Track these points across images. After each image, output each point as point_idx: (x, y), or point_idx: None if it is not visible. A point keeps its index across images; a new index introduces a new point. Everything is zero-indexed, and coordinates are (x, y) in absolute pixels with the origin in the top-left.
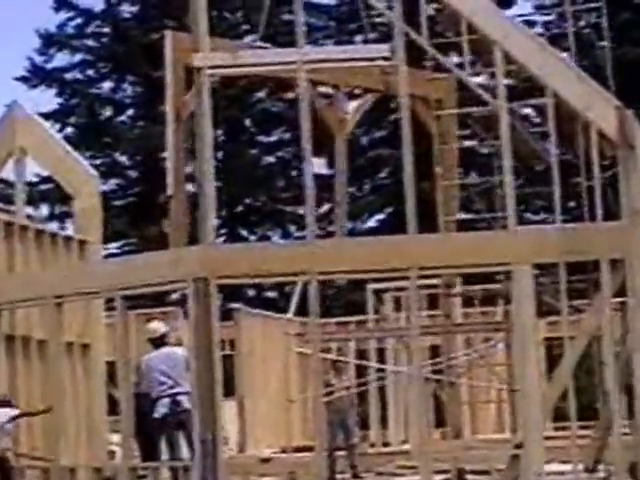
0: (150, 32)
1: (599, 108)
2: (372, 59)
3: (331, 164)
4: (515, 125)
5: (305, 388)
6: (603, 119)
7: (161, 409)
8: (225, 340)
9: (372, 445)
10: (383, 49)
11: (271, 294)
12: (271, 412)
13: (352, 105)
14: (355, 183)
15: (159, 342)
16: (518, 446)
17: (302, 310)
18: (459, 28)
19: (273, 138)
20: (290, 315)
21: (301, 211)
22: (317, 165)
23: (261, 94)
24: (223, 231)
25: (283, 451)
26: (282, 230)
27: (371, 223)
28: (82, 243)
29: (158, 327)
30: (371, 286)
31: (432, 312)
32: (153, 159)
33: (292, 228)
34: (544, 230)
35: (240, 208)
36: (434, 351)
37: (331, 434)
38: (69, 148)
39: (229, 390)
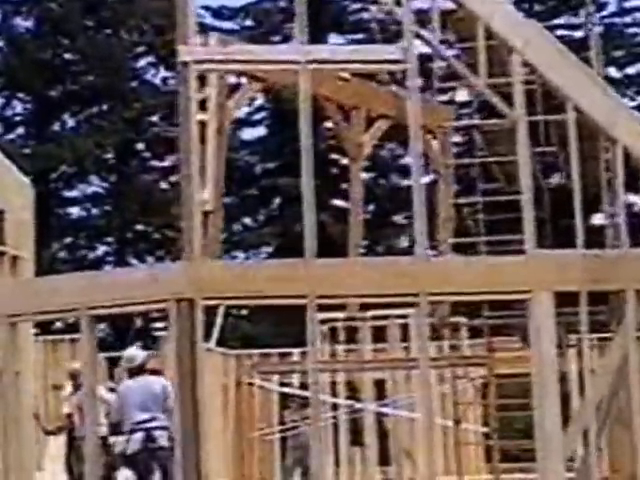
0: (45, 48)
1: (624, 125)
2: (381, 61)
3: (226, 192)
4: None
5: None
6: (629, 137)
7: (133, 445)
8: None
9: None
10: (393, 50)
11: None
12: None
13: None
14: (250, 213)
15: (136, 370)
16: None
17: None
18: (474, 32)
19: (167, 163)
20: (212, 345)
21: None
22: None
23: (155, 118)
24: (110, 259)
25: None
26: (174, 259)
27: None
28: (14, 259)
29: (137, 354)
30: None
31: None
32: (44, 179)
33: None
34: (566, 255)
35: (130, 235)
36: (379, 386)
37: (289, 472)
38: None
39: None
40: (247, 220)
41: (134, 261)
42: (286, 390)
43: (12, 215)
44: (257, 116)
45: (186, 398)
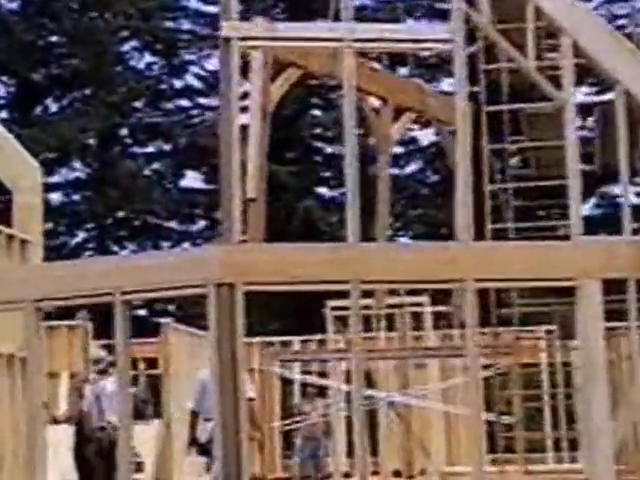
0: (29, 30)
1: None
2: (428, 41)
3: (208, 179)
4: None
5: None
6: None
7: (207, 434)
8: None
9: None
10: (440, 30)
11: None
12: None
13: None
14: None
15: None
16: None
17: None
18: (523, 13)
19: (150, 149)
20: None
21: (175, 226)
22: (193, 179)
23: (139, 103)
24: (91, 245)
25: None
26: (154, 246)
27: None
28: (23, 243)
29: (101, 354)
30: (331, 303)
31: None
32: None
33: (165, 244)
34: (614, 242)
35: (111, 221)
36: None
37: (301, 463)
38: (8, 134)
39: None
40: None
41: (114, 247)
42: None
43: (21, 198)
44: (241, 103)
45: (226, 386)
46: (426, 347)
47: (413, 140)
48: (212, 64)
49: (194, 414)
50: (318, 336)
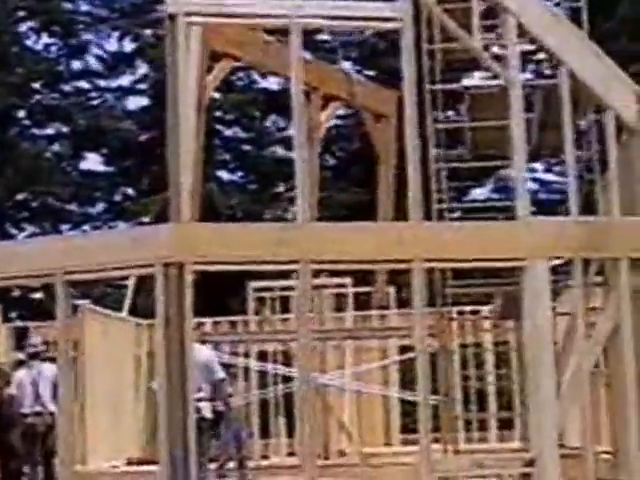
0: None
1: (617, 91)
2: (375, 19)
3: (108, 161)
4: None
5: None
6: (622, 104)
7: None
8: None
9: (264, 457)
10: (388, 9)
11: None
12: (116, 421)
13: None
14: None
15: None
16: (530, 463)
17: (134, 309)
18: None
19: (49, 131)
20: (124, 314)
21: (75, 208)
22: (93, 162)
23: (37, 85)
24: None
25: (128, 463)
26: (54, 229)
27: None
28: None
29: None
30: (253, 284)
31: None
32: None
33: (64, 227)
34: (561, 222)
35: (10, 203)
36: None
37: (223, 445)
38: None
39: None
40: (129, 190)
41: (13, 230)
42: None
43: None
44: (141, 85)
45: (174, 365)
46: (344, 329)
47: None
48: (111, 45)
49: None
50: (239, 317)
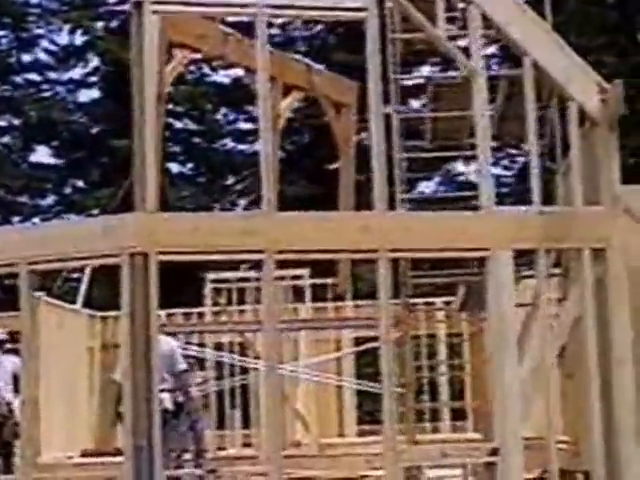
0: None
1: (580, 82)
2: (341, 9)
3: (59, 154)
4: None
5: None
6: (584, 95)
7: None
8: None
9: (220, 448)
10: None
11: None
12: (70, 413)
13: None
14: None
15: None
16: (494, 452)
17: (89, 301)
18: None
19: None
20: (78, 306)
21: (26, 200)
22: (43, 154)
23: None
24: None
25: (83, 455)
26: (5, 221)
27: None
28: None
29: None
30: (210, 276)
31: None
32: None
33: (16, 219)
34: (524, 212)
35: None
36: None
37: (179, 437)
38: None
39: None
40: (79, 182)
41: None
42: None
43: None
44: (92, 78)
45: (139, 357)
46: (301, 319)
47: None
48: (62, 38)
49: (120, 386)
50: (197, 309)
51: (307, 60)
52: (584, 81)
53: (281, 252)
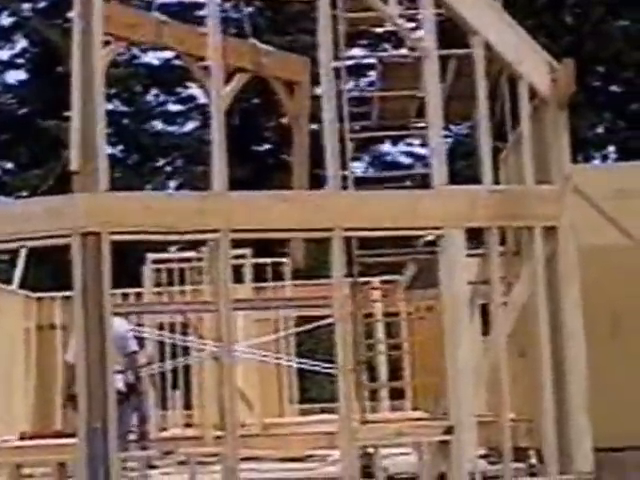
0: None
1: (530, 62)
2: None
3: None
4: None
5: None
6: (534, 74)
7: None
8: None
9: (162, 429)
10: None
11: None
12: (7, 395)
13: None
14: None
15: None
16: (448, 430)
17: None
18: None
19: None
20: (14, 287)
21: None
22: None
23: None
24: None
25: (21, 438)
26: None
27: None
28: None
29: None
30: (151, 256)
31: None
32: None
33: None
34: (475, 191)
35: None
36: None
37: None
38: None
39: None
40: (8, 164)
41: None
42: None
43: None
44: (20, 60)
45: (93, 339)
46: (240, 299)
47: (191, 98)
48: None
49: (71, 367)
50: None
51: (253, 41)
52: (534, 60)
53: (236, 231)
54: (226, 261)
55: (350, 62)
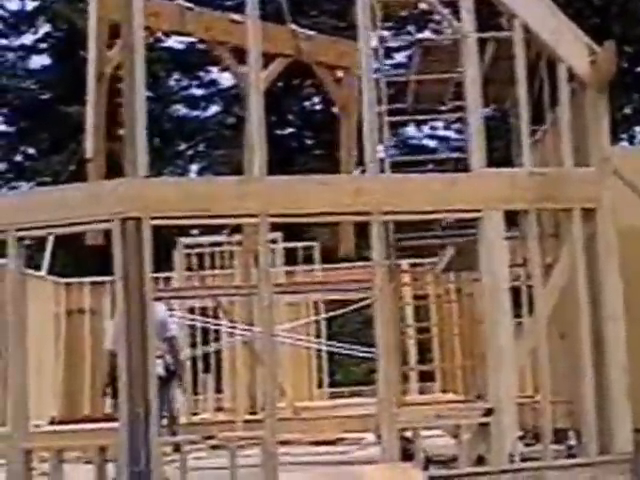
0: None
1: (569, 44)
2: None
3: (9, 121)
4: None
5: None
6: (574, 57)
7: None
8: None
9: (193, 414)
10: None
11: None
12: (37, 381)
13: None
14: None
15: None
16: (488, 412)
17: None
18: None
19: None
20: (43, 273)
21: None
22: None
23: None
24: None
25: (51, 423)
26: None
27: None
28: None
29: None
30: (183, 240)
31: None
32: None
33: None
34: (514, 173)
35: None
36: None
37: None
38: None
39: None
40: (30, 150)
41: None
42: None
43: None
44: (43, 44)
45: (134, 324)
46: (275, 283)
47: (214, 82)
48: (12, 4)
49: (112, 355)
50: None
51: (293, 26)
52: (574, 43)
53: (274, 216)
54: (266, 245)
55: (390, 44)
